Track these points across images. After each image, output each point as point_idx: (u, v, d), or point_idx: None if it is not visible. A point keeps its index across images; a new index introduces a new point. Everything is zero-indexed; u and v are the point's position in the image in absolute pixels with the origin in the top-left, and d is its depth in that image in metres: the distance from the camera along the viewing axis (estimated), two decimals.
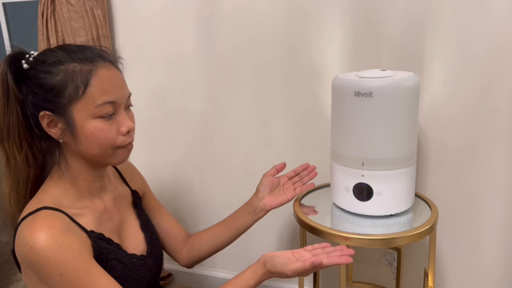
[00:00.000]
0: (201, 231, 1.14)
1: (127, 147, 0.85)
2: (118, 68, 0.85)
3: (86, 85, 0.77)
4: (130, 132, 0.84)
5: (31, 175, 0.86)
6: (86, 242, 0.80)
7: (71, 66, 0.78)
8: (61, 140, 0.82)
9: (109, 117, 0.80)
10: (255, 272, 0.84)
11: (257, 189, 1.15)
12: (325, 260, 0.79)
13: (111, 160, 0.85)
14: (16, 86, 0.79)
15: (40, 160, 0.87)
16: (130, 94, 0.86)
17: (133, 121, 0.86)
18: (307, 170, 1.20)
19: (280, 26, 1.43)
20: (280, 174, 1.19)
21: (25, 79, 0.80)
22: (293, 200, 1.27)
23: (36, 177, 0.87)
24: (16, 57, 0.80)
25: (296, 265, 0.79)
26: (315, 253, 0.84)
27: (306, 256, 0.83)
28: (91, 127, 0.79)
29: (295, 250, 0.86)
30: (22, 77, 0.80)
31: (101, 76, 0.79)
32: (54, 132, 0.81)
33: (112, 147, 0.82)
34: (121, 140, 0.82)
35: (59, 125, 0.80)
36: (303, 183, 1.18)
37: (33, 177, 0.87)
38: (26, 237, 0.74)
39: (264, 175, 1.16)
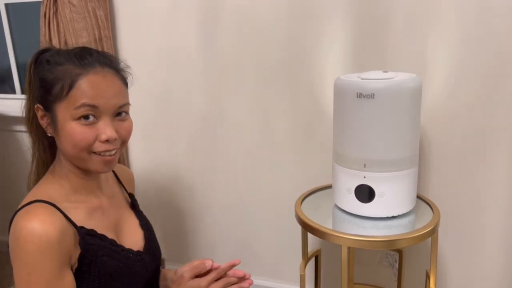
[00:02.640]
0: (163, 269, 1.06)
1: (104, 157, 0.83)
2: (120, 76, 0.85)
3: (70, 87, 0.79)
4: (110, 141, 0.82)
5: (48, 160, 0.90)
6: (71, 240, 0.80)
7: (66, 67, 0.80)
8: (49, 134, 0.85)
9: (88, 121, 0.79)
10: None
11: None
12: None
13: (87, 166, 0.83)
14: None
15: (51, 152, 0.90)
16: (124, 104, 0.84)
17: (124, 130, 0.85)
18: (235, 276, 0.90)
19: (282, 27, 1.43)
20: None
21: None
22: (294, 201, 1.27)
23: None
24: (44, 51, 0.85)
25: None
26: None
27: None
28: (68, 127, 0.80)
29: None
30: None
31: (88, 80, 0.80)
32: (44, 125, 0.84)
33: (88, 151, 0.81)
34: (96, 145, 0.81)
35: (47, 120, 0.84)
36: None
37: (51, 163, 0.90)
38: (16, 228, 0.76)
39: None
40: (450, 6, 1.23)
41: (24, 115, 0.88)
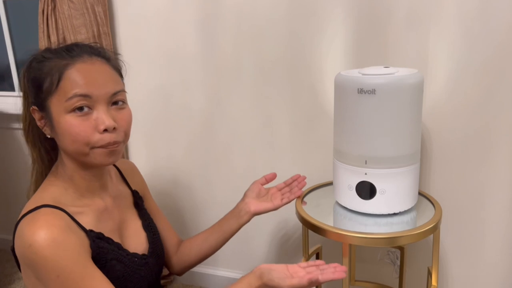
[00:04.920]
0: (191, 237, 1.14)
1: (108, 147, 0.80)
2: (111, 65, 0.84)
3: (59, 79, 0.77)
4: (109, 130, 0.79)
5: (47, 169, 0.88)
6: (85, 242, 0.79)
7: (53, 62, 0.79)
8: (48, 136, 0.83)
9: (83, 112, 0.77)
10: (250, 284, 0.82)
11: (244, 194, 1.15)
12: (321, 276, 0.81)
13: (88, 160, 0.81)
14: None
15: (53, 157, 0.89)
16: (118, 91, 0.81)
17: (122, 119, 0.82)
18: (297, 181, 1.20)
19: (282, 23, 1.42)
20: (270, 184, 1.18)
21: None
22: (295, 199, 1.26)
23: None
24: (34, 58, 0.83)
25: (293, 281, 0.80)
26: (309, 271, 0.84)
27: (300, 272, 0.83)
28: (63, 122, 0.77)
29: (289, 265, 0.85)
30: None
31: (76, 69, 0.78)
32: (41, 126, 0.83)
33: (87, 145, 0.78)
34: (97, 138, 0.78)
35: (44, 120, 0.82)
36: (292, 193, 1.17)
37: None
38: (25, 235, 0.74)
39: (253, 182, 1.16)
40: (452, 2, 1.22)
41: (21, 125, 0.86)
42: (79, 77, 0.77)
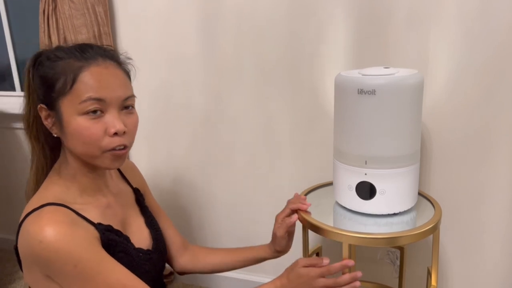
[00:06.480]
0: (208, 251, 1.14)
1: (116, 152, 0.81)
2: (123, 69, 0.85)
3: (74, 81, 0.77)
4: (119, 134, 0.80)
5: (48, 166, 0.88)
6: (94, 234, 0.80)
7: (67, 62, 0.79)
8: (55, 135, 0.83)
9: (96, 115, 0.78)
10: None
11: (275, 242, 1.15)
12: None
13: (97, 163, 0.82)
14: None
15: (54, 154, 0.89)
16: (129, 96, 0.83)
17: (131, 124, 0.83)
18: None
19: (282, 24, 1.42)
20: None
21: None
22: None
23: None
24: (42, 54, 0.83)
25: None
26: None
27: None
28: (74, 124, 0.78)
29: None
30: None
31: (91, 72, 0.78)
32: (49, 125, 0.83)
33: (99, 148, 0.79)
34: (107, 141, 0.79)
35: (53, 119, 0.82)
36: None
37: (51, 168, 0.88)
38: (32, 233, 0.74)
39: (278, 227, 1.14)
40: (452, 2, 1.22)
41: (23, 120, 0.85)
42: (93, 80, 0.78)
